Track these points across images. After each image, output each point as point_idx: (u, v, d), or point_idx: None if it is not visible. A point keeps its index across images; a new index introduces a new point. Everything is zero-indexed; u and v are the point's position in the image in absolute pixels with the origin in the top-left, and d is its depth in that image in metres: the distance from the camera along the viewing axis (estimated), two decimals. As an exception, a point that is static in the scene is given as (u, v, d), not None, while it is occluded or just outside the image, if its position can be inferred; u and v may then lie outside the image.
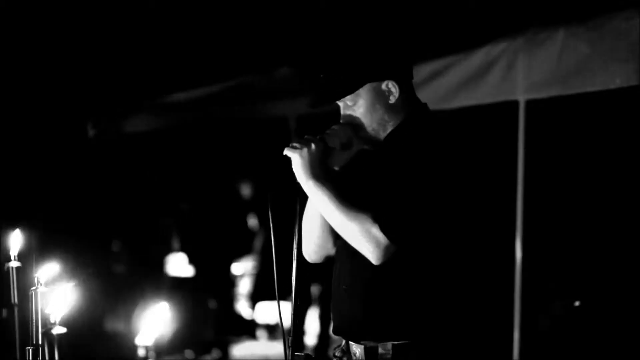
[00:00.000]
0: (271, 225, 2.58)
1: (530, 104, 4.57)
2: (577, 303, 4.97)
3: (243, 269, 8.29)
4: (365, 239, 2.48)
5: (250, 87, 7.27)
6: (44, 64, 8.17)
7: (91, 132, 7.58)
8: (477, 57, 4.72)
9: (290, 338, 2.56)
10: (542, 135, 5.04)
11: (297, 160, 2.55)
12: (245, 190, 8.41)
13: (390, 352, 2.55)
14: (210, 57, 8.50)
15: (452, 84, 4.87)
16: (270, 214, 2.56)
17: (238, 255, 8.25)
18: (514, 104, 4.63)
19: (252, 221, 8.36)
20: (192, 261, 7.98)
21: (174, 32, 8.51)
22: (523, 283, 4.57)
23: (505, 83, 4.58)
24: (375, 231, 2.47)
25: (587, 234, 5.37)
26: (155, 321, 1.85)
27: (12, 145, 7.81)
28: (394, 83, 2.61)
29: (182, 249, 8.04)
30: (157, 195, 8.59)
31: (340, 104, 2.66)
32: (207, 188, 8.50)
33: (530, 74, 4.44)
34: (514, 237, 4.62)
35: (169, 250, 8.09)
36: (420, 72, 5.04)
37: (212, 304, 7.82)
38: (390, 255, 2.48)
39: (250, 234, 8.34)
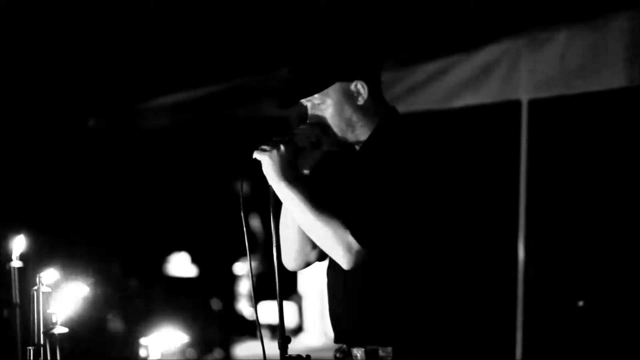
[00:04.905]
0: (245, 229, 2.60)
1: (532, 103, 4.56)
2: (580, 303, 4.97)
3: (245, 268, 8.27)
4: (337, 243, 2.46)
5: (251, 87, 7.26)
6: (44, 64, 8.17)
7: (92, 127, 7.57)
8: (480, 57, 4.71)
9: (279, 340, 2.61)
10: (545, 135, 5.03)
11: (267, 163, 2.52)
12: (247, 190, 8.36)
13: (391, 355, 2.54)
14: (210, 57, 8.49)
15: (454, 83, 4.85)
16: (243, 218, 2.58)
17: (240, 255, 8.23)
18: (517, 103, 4.62)
19: (255, 221, 8.34)
20: (194, 261, 7.97)
21: (174, 32, 8.51)
22: (525, 283, 4.56)
23: (508, 83, 4.56)
24: (347, 236, 2.45)
25: (590, 234, 5.36)
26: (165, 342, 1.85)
27: (14, 145, 7.81)
28: (363, 84, 2.56)
29: (185, 248, 8.03)
30: (157, 195, 8.58)
31: (308, 104, 2.62)
32: (207, 188, 8.48)
33: (532, 74, 4.43)
34: (517, 237, 4.61)
35: (171, 250, 8.08)
36: (422, 71, 5.04)
37: (214, 303, 7.81)
38: (361, 260, 2.46)
39: (253, 233, 8.31)
